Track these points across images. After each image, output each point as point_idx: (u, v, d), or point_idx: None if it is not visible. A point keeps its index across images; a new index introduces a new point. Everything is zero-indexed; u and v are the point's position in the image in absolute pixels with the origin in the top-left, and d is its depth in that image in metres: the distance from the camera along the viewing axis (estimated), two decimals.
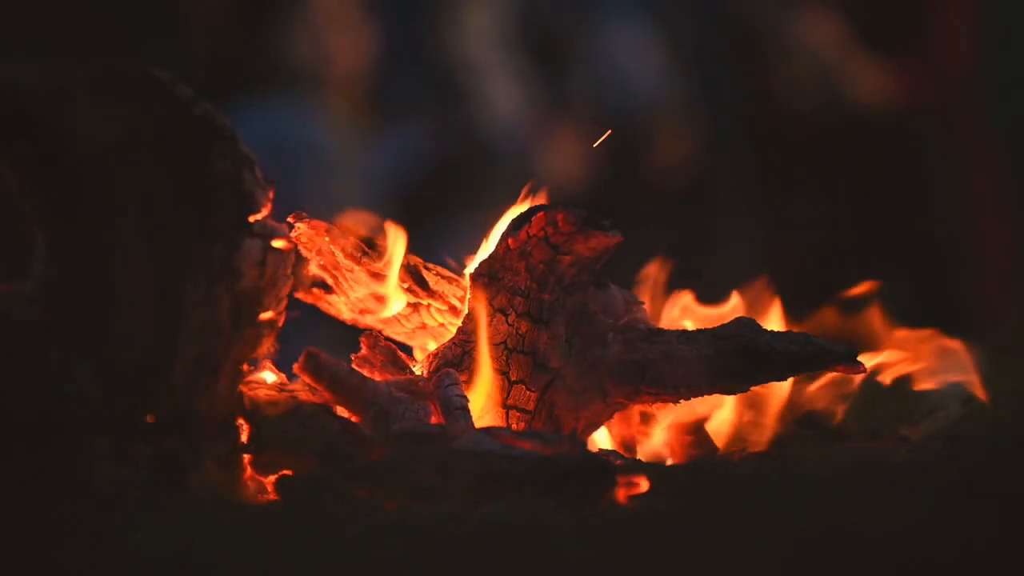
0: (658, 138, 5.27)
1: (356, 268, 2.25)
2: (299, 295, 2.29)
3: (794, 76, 5.36)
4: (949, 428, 2.40)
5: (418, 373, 2.21)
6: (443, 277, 2.27)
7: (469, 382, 2.15)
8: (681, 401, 2.25)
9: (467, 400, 2.11)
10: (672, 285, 2.44)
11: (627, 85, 5.26)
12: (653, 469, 2.07)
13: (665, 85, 5.31)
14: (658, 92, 5.31)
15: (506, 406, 2.16)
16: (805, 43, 5.36)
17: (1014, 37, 5.58)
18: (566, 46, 5.28)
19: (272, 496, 2.00)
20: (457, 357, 2.17)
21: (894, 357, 2.41)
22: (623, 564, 1.67)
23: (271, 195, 2.01)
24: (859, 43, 5.37)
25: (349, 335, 2.31)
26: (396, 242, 2.24)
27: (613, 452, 2.24)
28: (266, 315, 2.01)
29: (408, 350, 2.32)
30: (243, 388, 2.03)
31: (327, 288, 2.32)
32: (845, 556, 1.66)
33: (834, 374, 2.32)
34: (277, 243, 2.01)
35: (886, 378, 2.40)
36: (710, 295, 2.44)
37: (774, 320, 2.38)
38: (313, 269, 2.29)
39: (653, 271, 2.42)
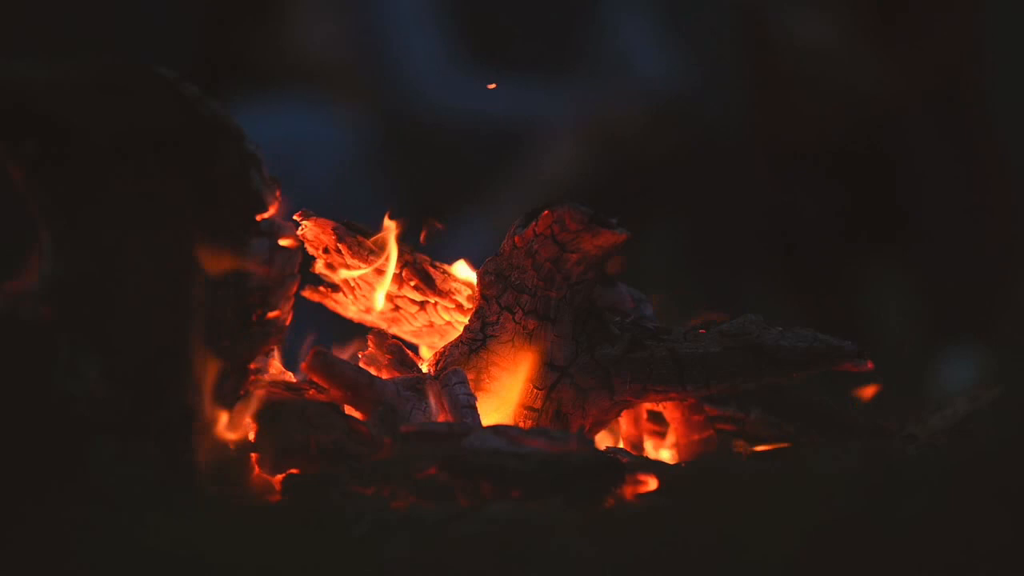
0: (658, 133, 5.26)
1: (363, 266, 2.25)
2: (306, 293, 2.29)
3: (794, 70, 5.35)
4: (957, 425, 2.40)
5: (425, 371, 2.21)
6: (450, 275, 2.26)
7: (476, 380, 2.15)
8: (688, 399, 2.25)
9: (475, 398, 2.11)
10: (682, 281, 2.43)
11: (629, 79, 5.25)
12: (661, 467, 2.06)
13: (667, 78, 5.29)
14: (659, 85, 5.29)
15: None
16: (803, 38, 5.36)
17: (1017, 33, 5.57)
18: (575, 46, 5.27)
19: (279, 495, 2.00)
20: (464, 355, 2.17)
21: None
22: (631, 563, 1.67)
23: (278, 193, 2.01)
24: (861, 36, 5.36)
25: (356, 333, 2.31)
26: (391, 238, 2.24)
27: (621, 450, 2.24)
28: (273, 314, 2.01)
29: (415, 348, 2.32)
30: (250, 387, 2.03)
31: (334, 286, 2.32)
32: (852, 554, 1.66)
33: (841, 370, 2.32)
34: (284, 241, 2.01)
35: None
36: (720, 287, 2.44)
37: None
38: (319, 267, 2.28)
39: None
